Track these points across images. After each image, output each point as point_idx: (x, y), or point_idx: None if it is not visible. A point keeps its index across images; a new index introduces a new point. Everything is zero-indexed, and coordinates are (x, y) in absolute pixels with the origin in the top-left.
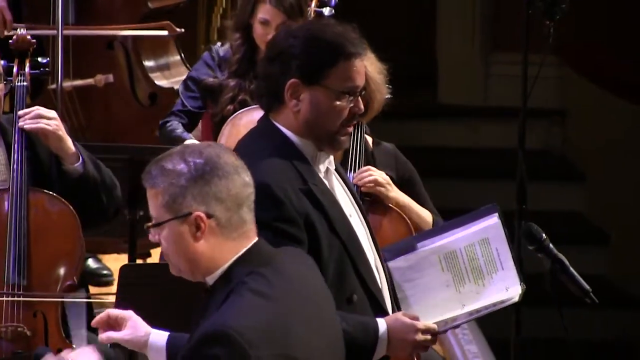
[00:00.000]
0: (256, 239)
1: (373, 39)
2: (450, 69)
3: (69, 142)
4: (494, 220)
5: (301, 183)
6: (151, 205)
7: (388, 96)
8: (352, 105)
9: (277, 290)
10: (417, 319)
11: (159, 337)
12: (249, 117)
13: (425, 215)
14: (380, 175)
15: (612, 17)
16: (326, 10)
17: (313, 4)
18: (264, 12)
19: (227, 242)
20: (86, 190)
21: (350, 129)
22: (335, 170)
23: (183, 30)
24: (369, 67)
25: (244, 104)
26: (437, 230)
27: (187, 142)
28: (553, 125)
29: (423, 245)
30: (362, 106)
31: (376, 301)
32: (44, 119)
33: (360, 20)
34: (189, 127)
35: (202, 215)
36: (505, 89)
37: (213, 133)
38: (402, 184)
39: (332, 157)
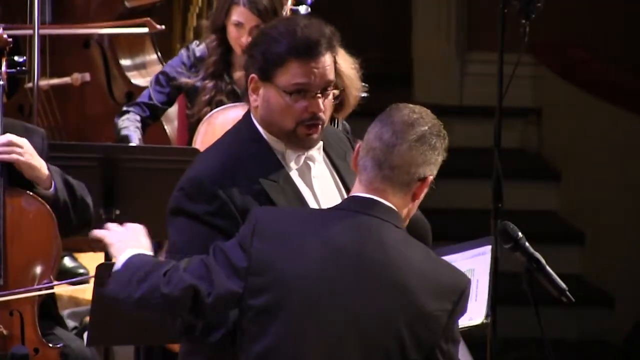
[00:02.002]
0: (364, 194)
1: (349, 36)
2: (426, 67)
3: (42, 168)
4: (485, 251)
5: (254, 181)
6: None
7: (364, 94)
8: (306, 104)
9: (336, 227)
10: None
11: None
12: (225, 116)
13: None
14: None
15: (589, 16)
16: (302, 9)
17: (289, 2)
18: (237, 14)
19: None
20: (56, 212)
21: (313, 130)
22: (332, 160)
23: (164, 27)
24: (341, 63)
25: (220, 105)
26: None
27: (132, 143)
28: (529, 124)
29: None
30: (321, 106)
31: None
32: (16, 147)
33: (336, 18)
34: (150, 121)
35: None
36: (481, 88)
37: (189, 133)
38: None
39: (315, 150)
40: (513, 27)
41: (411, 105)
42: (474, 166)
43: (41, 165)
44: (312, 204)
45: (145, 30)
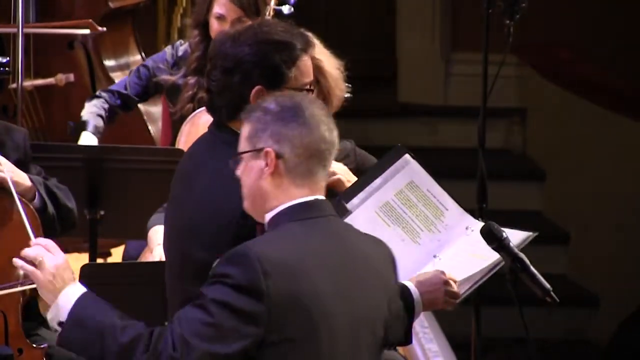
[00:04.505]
0: (321, 197)
1: (333, 37)
2: (410, 68)
3: (25, 182)
4: (407, 161)
5: None
6: (240, 138)
7: (348, 95)
8: None
9: (313, 238)
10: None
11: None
12: (208, 116)
13: None
14: (336, 166)
15: (574, 16)
16: (285, 8)
17: (272, 2)
18: (219, 6)
19: (290, 187)
20: (42, 222)
21: None
22: None
23: (105, 29)
24: (325, 63)
25: (202, 103)
26: (355, 188)
27: (85, 141)
28: (513, 125)
29: (352, 205)
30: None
31: None
32: None
33: (320, 19)
34: (120, 110)
35: (272, 152)
36: (465, 88)
37: (172, 131)
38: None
39: None
40: (498, 28)
41: (280, 96)
42: (459, 166)
43: (24, 179)
44: None
45: (87, 31)
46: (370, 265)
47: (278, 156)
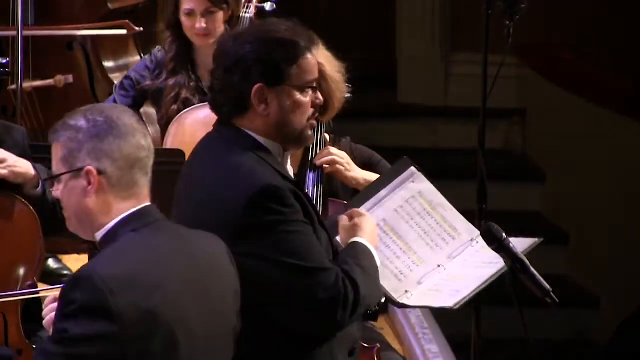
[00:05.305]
0: (148, 203)
1: (333, 37)
2: (410, 68)
3: (28, 171)
4: (413, 173)
5: (289, 182)
6: (53, 160)
7: (348, 95)
8: (313, 98)
9: (154, 246)
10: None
11: None
12: (195, 116)
13: None
14: (339, 155)
15: (574, 17)
16: (267, 5)
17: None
18: (186, 2)
19: (117, 201)
20: (45, 210)
21: (314, 122)
22: None
23: (142, 29)
24: (327, 66)
25: (187, 103)
26: (360, 198)
27: None
28: (513, 125)
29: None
30: (321, 97)
31: None
32: None
33: (321, 19)
34: None
35: (93, 170)
36: (465, 89)
37: (160, 135)
38: (364, 167)
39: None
40: (497, 28)
41: (88, 111)
42: (458, 167)
43: (27, 168)
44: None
45: (123, 32)
46: (215, 261)
47: (100, 173)
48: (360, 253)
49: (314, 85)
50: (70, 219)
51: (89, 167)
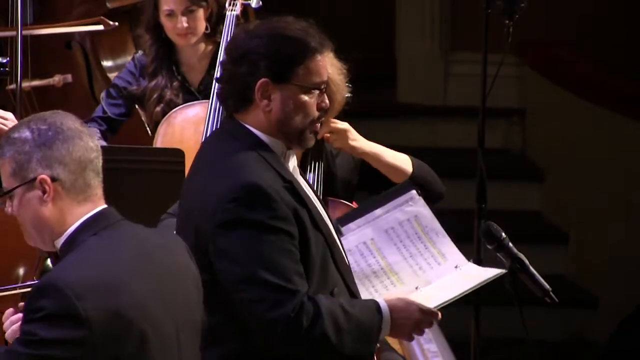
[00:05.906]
0: (104, 206)
1: (333, 37)
2: (410, 68)
3: None
4: (413, 197)
5: (282, 180)
6: (2, 177)
7: (348, 95)
8: (319, 100)
9: (116, 248)
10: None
11: None
12: (184, 115)
13: (400, 156)
14: (342, 125)
15: (574, 16)
16: (254, 2)
17: None
18: (165, 3)
19: (74, 206)
20: None
21: (318, 127)
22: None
23: (117, 23)
24: (329, 67)
25: (172, 104)
26: (355, 214)
27: None
28: (512, 125)
29: (348, 229)
30: (327, 101)
31: (352, 294)
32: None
33: (320, 19)
34: (109, 134)
35: (47, 178)
36: (465, 88)
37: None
38: (363, 166)
39: (294, 156)
40: (497, 28)
41: (31, 120)
42: (458, 166)
43: None
44: (312, 197)
45: (100, 27)
46: (169, 258)
47: (54, 179)
48: (363, 307)
49: (321, 87)
50: (29, 233)
51: (42, 176)
